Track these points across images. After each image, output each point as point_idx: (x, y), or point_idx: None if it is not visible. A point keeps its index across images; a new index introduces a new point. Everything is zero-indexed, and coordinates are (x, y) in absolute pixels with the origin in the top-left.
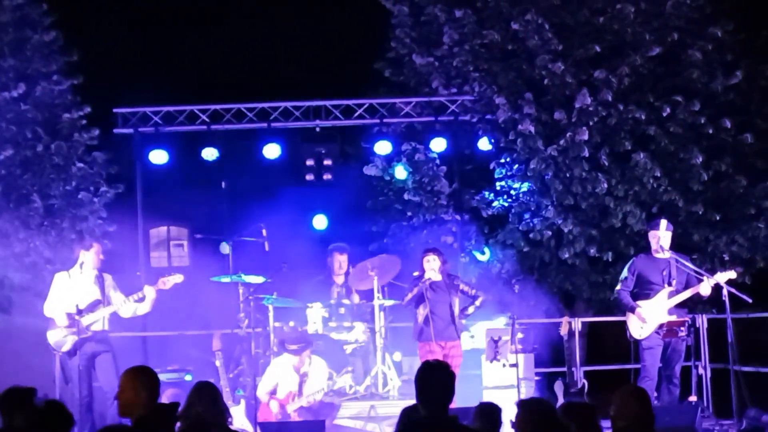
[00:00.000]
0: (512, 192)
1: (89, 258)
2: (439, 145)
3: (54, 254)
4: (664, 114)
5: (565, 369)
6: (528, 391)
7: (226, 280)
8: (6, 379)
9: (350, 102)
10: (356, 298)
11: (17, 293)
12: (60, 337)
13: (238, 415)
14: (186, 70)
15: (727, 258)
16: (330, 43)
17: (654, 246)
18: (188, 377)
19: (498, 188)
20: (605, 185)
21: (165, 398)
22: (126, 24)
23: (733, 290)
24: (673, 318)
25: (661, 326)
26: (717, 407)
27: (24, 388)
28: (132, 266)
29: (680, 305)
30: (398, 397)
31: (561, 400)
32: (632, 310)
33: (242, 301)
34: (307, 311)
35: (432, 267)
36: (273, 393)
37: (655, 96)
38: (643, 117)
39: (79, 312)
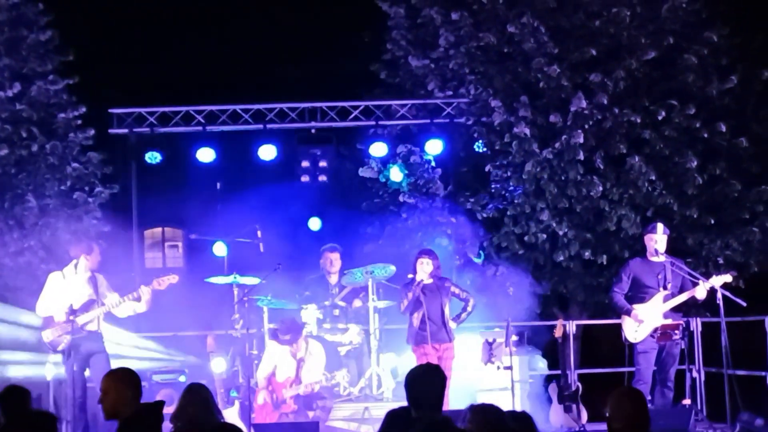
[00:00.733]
0: (507, 195)
1: (91, 260)
2: (434, 147)
3: (48, 254)
4: (659, 118)
5: (559, 372)
6: (522, 393)
7: (220, 281)
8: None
9: (346, 104)
10: (357, 303)
11: (11, 293)
12: (55, 337)
13: (231, 417)
14: (182, 71)
15: (721, 262)
16: (326, 44)
17: (650, 249)
18: (182, 378)
19: (493, 191)
20: (600, 188)
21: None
22: (122, 24)
23: (727, 294)
24: (668, 321)
25: (655, 330)
26: (710, 411)
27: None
28: (126, 267)
29: (675, 309)
30: (392, 399)
31: (556, 403)
32: (627, 312)
33: (237, 303)
34: (302, 312)
35: (425, 269)
36: (272, 376)
37: (651, 100)
38: (638, 120)
39: (74, 312)
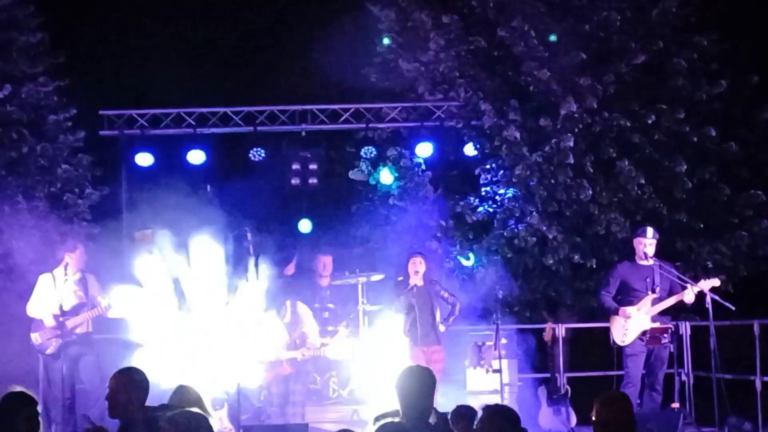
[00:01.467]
0: (497, 198)
1: (74, 260)
2: (424, 150)
3: (38, 256)
4: (649, 122)
5: (548, 375)
6: (511, 396)
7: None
8: None
9: (336, 107)
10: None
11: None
12: (44, 339)
13: (221, 419)
14: (172, 73)
15: (710, 266)
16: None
17: (639, 253)
18: None
19: (483, 194)
20: (590, 192)
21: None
22: (112, 26)
23: (716, 298)
24: (657, 325)
25: (644, 333)
26: (699, 414)
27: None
28: (116, 269)
29: (663, 312)
30: (381, 402)
31: (544, 406)
32: (616, 312)
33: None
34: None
35: (417, 270)
36: (271, 345)
37: (640, 104)
38: (627, 125)
39: (64, 314)
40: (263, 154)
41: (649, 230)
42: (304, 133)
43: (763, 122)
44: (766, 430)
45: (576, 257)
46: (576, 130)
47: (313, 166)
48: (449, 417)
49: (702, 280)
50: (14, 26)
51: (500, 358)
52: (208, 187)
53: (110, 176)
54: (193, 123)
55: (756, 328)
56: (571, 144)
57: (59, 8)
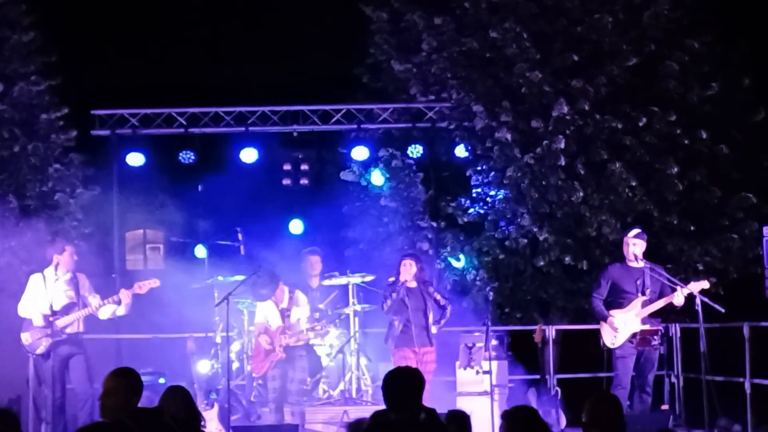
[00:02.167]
0: (488, 199)
1: (63, 260)
2: (416, 151)
3: (29, 255)
4: (641, 124)
5: (538, 376)
6: (501, 398)
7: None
8: None
9: (328, 107)
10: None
11: None
12: (34, 339)
13: (211, 419)
14: (164, 73)
15: (701, 268)
16: (308, 48)
17: (628, 255)
18: (162, 380)
19: (474, 195)
20: (581, 194)
21: None
22: (104, 26)
23: (706, 300)
24: (647, 327)
25: (634, 335)
26: (689, 416)
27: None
28: (107, 269)
29: (654, 314)
30: (372, 403)
31: (535, 408)
32: (604, 319)
33: (217, 305)
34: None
35: (409, 272)
36: (266, 330)
37: (632, 106)
38: (619, 127)
39: (54, 314)
40: (255, 155)
41: (634, 230)
42: (295, 134)
43: (754, 125)
44: None
45: (567, 259)
46: (567, 132)
47: (304, 167)
48: (442, 420)
49: (692, 282)
50: (6, 25)
51: (490, 359)
52: (200, 187)
53: (102, 176)
54: (185, 123)
55: (746, 330)
56: (563, 146)
57: (51, 7)
